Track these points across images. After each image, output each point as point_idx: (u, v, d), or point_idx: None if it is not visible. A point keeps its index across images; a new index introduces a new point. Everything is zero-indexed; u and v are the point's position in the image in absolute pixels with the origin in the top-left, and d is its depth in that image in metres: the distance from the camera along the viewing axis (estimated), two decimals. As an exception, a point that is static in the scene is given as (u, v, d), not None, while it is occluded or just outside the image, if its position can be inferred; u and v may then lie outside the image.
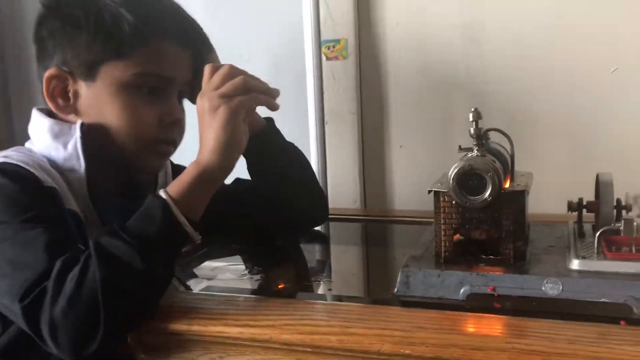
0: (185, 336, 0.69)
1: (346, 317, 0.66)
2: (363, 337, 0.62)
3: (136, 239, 0.66)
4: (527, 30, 1.12)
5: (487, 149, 0.75)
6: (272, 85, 0.79)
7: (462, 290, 0.70)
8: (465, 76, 1.17)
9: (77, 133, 0.78)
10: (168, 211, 0.68)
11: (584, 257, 0.70)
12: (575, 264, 0.70)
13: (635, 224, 0.69)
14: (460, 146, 0.74)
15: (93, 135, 0.79)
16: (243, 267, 0.94)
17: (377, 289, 0.85)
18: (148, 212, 0.69)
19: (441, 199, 0.74)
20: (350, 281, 0.89)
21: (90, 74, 0.78)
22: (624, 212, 0.77)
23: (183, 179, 0.71)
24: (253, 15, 1.29)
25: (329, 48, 1.23)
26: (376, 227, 1.18)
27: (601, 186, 0.77)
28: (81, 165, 0.78)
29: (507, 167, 0.77)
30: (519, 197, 0.72)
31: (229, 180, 0.84)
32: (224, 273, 0.88)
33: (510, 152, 0.76)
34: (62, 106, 0.80)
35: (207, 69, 0.76)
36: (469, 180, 0.70)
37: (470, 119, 0.73)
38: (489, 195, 0.70)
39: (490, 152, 0.75)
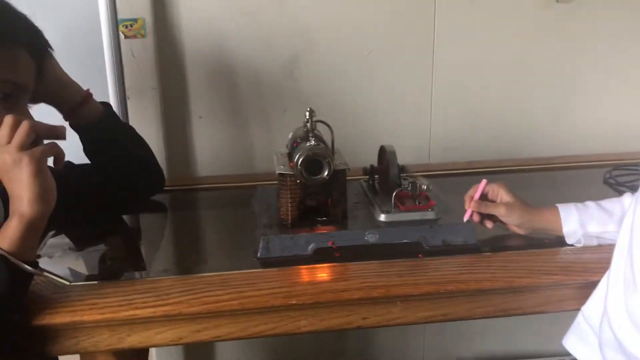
0: (91, 324, 0.79)
1: (238, 284, 0.83)
2: (258, 298, 0.81)
3: None
4: (314, 18, 1.34)
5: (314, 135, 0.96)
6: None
7: (309, 247, 0.92)
8: (256, 52, 1.35)
9: None
10: (9, 263, 0.73)
11: (387, 212, 0.98)
12: (382, 217, 0.97)
13: (418, 184, 0.99)
14: (298, 139, 0.94)
15: None
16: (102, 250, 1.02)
17: (238, 254, 1.00)
18: None
19: (288, 179, 0.94)
20: (212, 250, 1.05)
21: None
22: (402, 174, 1.07)
23: (12, 234, 0.74)
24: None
25: (126, 27, 1.28)
26: (184, 195, 1.29)
27: (388, 155, 1.05)
28: None
29: (329, 149, 1.00)
30: (343, 174, 0.96)
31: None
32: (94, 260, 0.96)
33: (331, 137, 0.99)
34: None
35: None
36: (311, 164, 0.92)
37: (307, 116, 0.93)
38: (327, 175, 0.92)
39: (317, 138, 0.97)
